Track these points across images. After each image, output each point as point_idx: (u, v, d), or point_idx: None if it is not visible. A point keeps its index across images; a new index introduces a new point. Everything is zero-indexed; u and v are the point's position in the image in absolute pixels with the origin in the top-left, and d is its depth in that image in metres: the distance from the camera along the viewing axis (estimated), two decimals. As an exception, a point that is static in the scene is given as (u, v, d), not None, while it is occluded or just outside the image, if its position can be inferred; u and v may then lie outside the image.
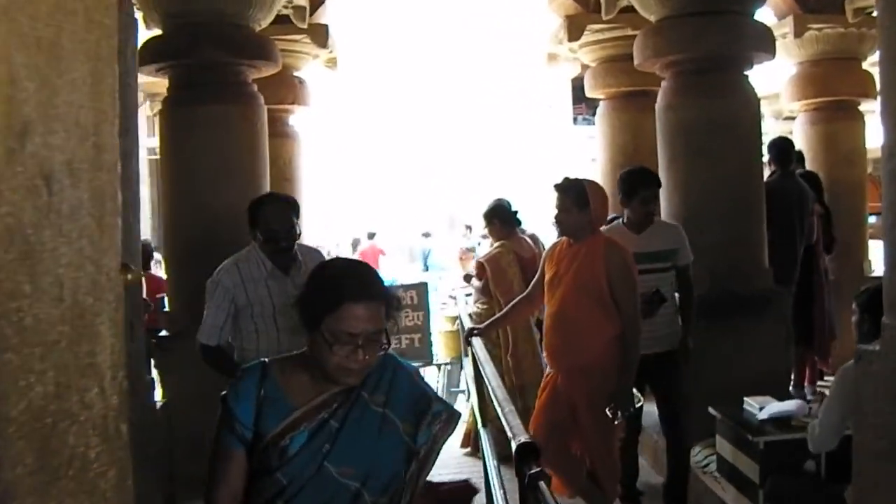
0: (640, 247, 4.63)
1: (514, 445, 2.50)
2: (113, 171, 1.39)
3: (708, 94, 5.51)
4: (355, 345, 2.00)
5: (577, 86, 9.20)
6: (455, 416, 2.24)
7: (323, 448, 2.04)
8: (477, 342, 4.66)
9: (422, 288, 7.92)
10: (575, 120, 11.34)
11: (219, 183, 5.19)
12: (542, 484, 2.25)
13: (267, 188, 5.35)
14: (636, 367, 4.23)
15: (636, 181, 4.80)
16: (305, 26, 6.26)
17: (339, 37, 7.79)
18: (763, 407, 4.30)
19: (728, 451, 4.37)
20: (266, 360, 2.16)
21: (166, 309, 5.65)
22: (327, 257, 4.28)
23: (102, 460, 1.36)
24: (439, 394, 3.37)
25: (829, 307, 6.65)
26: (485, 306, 6.38)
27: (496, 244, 6.52)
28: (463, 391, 7.90)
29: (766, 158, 6.41)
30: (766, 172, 6.36)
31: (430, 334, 7.82)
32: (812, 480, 3.89)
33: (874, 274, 7.49)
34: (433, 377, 8.62)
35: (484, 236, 10.75)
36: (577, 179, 4.40)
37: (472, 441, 6.31)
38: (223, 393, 2.10)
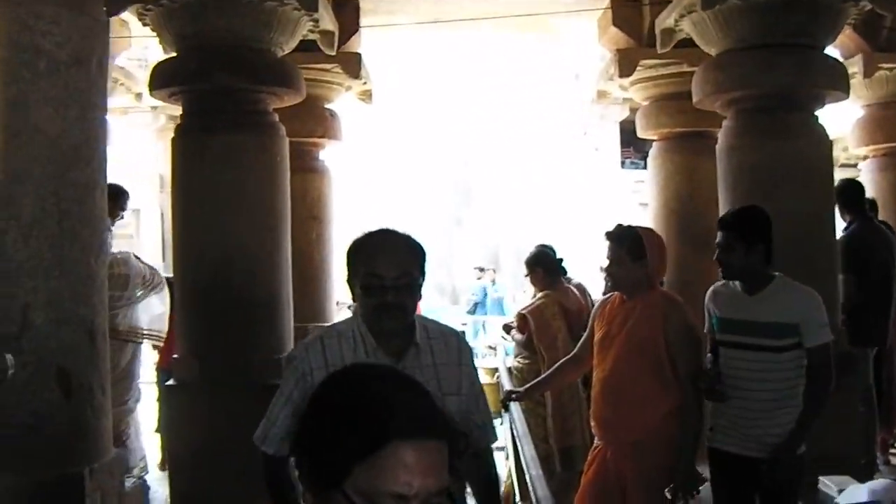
0: (749, 314, 3.69)
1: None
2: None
3: (775, 135, 5.05)
4: None
5: (626, 129, 8.82)
6: None
7: None
8: (515, 409, 4.16)
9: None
10: (623, 164, 10.98)
11: (231, 219, 4.69)
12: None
13: (287, 228, 4.89)
14: (698, 442, 3.72)
15: (765, 223, 3.77)
16: (334, 53, 5.88)
17: (374, 68, 7.44)
18: (842, 489, 3.72)
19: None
20: None
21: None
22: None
23: None
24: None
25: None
26: (527, 361, 5.97)
27: (539, 294, 6.11)
28: (502, 448, 7.44)
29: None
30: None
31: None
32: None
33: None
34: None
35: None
36: (631, 227, 3.94)
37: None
38: None
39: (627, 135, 8.76)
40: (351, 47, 6.65)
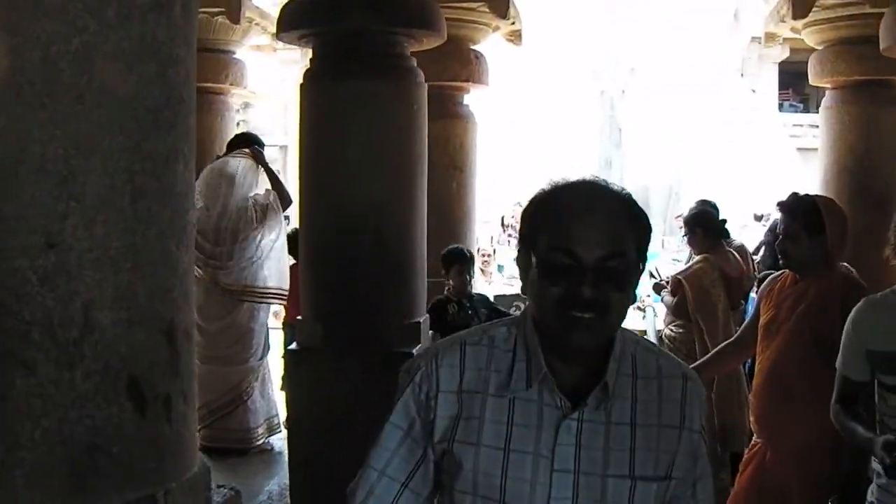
0: None
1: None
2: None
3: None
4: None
5: (786, 70, 8.06)
6: None
7: None
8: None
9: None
10: (781, 106, 10.16)
11: (361, 174, 4.31)
12: None
13: (423, 183, 4.47)
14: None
15: None
16: (482, -10, 5.47)
17: (523, 5, 6.97)
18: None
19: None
20: None
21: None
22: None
23: None
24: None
25: None
26: (681, 330, 5.52)
27: (697, 258, 5.63)
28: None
29: None
30: None
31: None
32: None
33: None
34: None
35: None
36: (808, 196, 3.50)
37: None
38: None
39: (787, 76, 8.03)
40: (498, -16, 6.23)
